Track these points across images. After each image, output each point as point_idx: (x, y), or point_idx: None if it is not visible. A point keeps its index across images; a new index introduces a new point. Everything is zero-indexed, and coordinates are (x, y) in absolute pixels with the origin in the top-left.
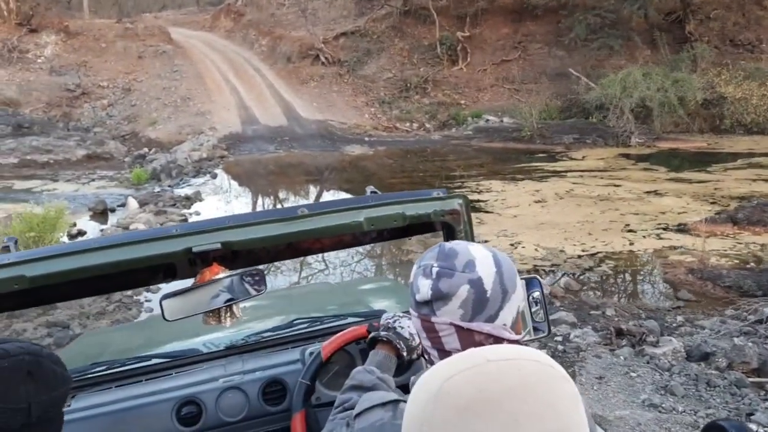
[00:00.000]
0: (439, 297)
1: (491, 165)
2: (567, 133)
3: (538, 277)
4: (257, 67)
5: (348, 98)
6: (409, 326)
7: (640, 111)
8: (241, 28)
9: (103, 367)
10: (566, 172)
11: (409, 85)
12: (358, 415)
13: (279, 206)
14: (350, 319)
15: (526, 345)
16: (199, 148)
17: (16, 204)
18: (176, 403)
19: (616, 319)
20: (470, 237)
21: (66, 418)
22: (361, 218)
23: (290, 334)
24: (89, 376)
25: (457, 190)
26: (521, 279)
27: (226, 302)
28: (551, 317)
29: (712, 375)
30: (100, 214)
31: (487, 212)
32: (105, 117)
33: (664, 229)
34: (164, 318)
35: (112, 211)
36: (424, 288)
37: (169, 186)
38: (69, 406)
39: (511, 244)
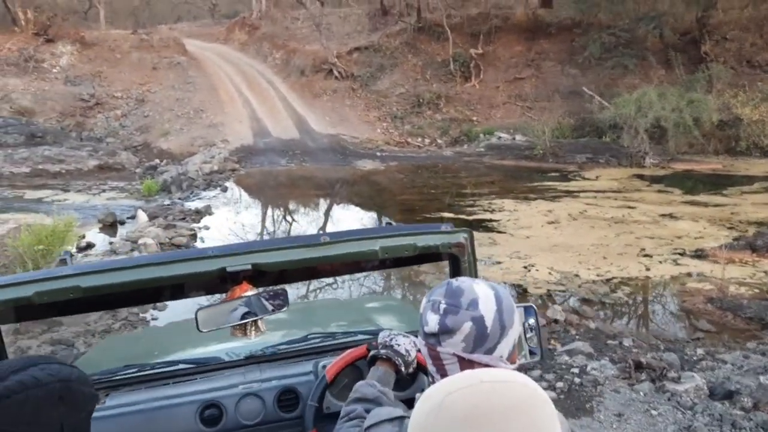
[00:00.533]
0: (445, 331)
1: (503, 183)
2: (580, 152)
3: (533, 305)
4: (270, 79)
5: (360, 113)
6: (405, 343)
7: (655, 131)
8: (255, 41)
9: (135, 369)
10: (579, 192)
11: (421, 100)
12: (368, 428)
13: (291, 222)
14: (360, 336)
15: (518, 370)
16: (210, 161)
17: (26, 214)
18: (200, 405)
19: (635, 350)
20: (473, 267)
21: (101, 414)
22: (376, 247)
23: (305, 347)
24: (122, 376)
25: (468, 209)
26: (518, 307)
27: (253, 317)
28: (567, 347)
29: (737, 416)
30: (110, 226)
31: (500, 232)
32: (118, 127)
33: (681, 254)
34: (198, 329)
35: (122, 223)
36: (432, 322)
37: (180, 199)
38: (104, 403)
39: (525, 267)
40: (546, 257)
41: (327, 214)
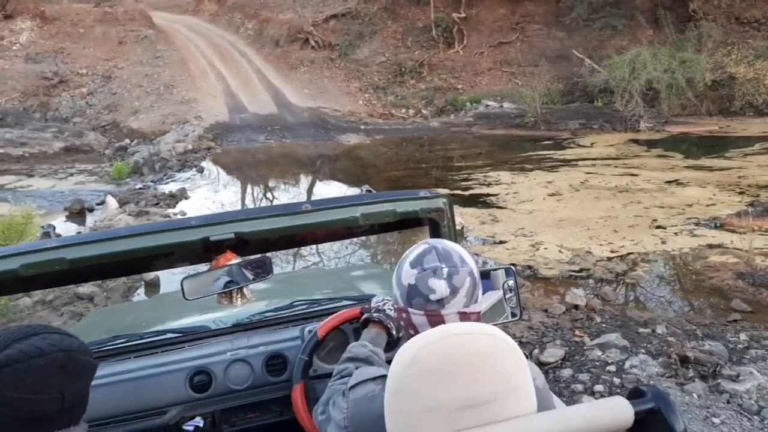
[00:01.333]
0: (453, 292)
1: (496, 154)
2: (572, 119)
3: (512, 267)
4: (243, 51)
5: (340, 84)
6: None
7: (647, 94)
8: (226, 12)
9: (123, 340)
10: (577, 160)
11: (403, 69)
12: (352, 387)
13: (273, 203)
14: (344, 302)
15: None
16: (184, 139)
17: None
18: (189, 372)
19: (670, 338)
20: (453, 232)
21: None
22: (357, 214)
23: (291, 314)
24: (111, 347)
25: (463, 183)
26: (498, 269)
27: (237, 285)
28: (597, 340)
29: None
30: (77, 214)
31: (500, 208)
32: (84, 106)
33: (696, 224)
34: (184, 297)
35: (90, 210)
36: (440, 287)
37: (152, 182)
38: None
39: (532, 245)
40: (553, 233)
41: (310, 192)
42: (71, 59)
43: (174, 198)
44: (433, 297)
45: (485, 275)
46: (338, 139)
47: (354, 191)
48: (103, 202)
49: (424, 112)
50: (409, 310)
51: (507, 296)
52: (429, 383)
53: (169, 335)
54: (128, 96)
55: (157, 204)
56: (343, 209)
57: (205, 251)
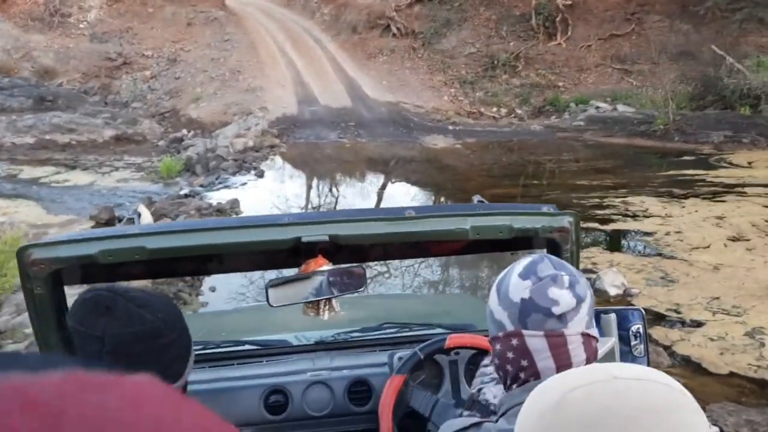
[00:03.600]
0: (578, 304)
1: (626, 171)
2: (713, 129)
3: (641, 308)
4: (318, 38)
5: (423, 76)
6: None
7: None
8: None
9: (199, 347)
10: (741, 186)
11: (495, 62)
12: None
13: None
14: (438, 330)
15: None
16: (245, 133)
17: (10, 201)
18: (265, 390)
19: None
20: (576, 258)
21: None
22: (467, 225)
23: (379, 336)
24: None
25: (596, 211)
26: (618, 310)
27: (328, 294)
28: None
29: None
30: (105, 224)
31: (666, 257)
32: (146, 90)
33: None
34: (269, 303)
35: (120, 220)
36: (565, 298)
37: (202, 186)
38: None
39: (748, 334)
40: None
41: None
42: (137, 40)
43: (221, 214)
44: (556, 310)
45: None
46: (422, 140)
47: None
48: (138, 213)
49: (519, 111)
50: (524, 332)
51: (632, 343)
52: None
53: (247, 347)
54: (191, 81)
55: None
56: (452, 219)
57: (294, 253)
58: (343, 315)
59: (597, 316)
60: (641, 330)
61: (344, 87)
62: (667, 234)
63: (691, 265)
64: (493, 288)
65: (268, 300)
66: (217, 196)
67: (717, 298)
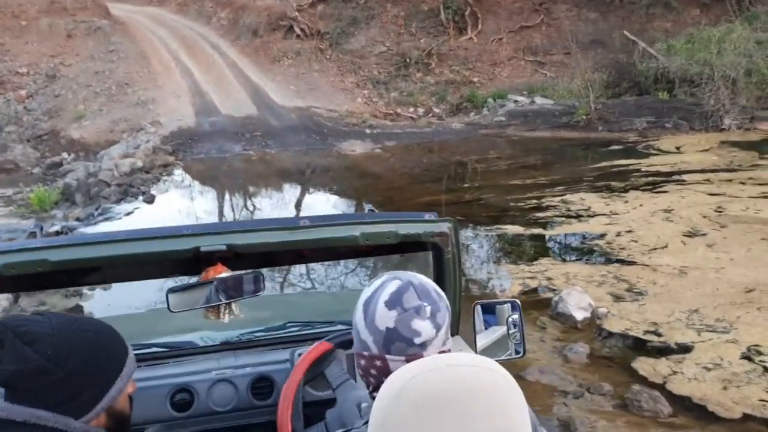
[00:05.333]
0: (437, 332)
1: (558, 166)
2: (635, 116)
3: (518, 300)
4: (215, 43)
5: (333, 79)
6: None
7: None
8: (195, 1)
9: None
10: (677, 174)
11: (408, 60)
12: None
13: None
14: (339, 326)
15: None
16: (133, 153)
17: None
18: (171, 389)
19: None
20: (458, 259)
21: None
22: (357, 233)
23: (282, 335)
24: None
25: (537, 214)
26: (503, 303)
27: (226, 300)
28: None
29: None
30: None
31: (626, 263)
32: (22, 112)
33: None
34: (169, 309)
35: None
36: (426, 329)
37: (78, 220)
38: None
39: (746, 357)
40: (758, 322)
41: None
42: (10, 56)
43: None
44: (417, 340)
45: (490, 309)
46: (339, 147)
47: None
48: (40, 226)
49: (437, 110)
50: (387, 357)
51: (511, 332)
52: (419, 417)
53: (154, 349)
54: (73, 98)
55: None
56: (343, 227)
57: (194, 262)
58: (248, 315)
59: (492, 307)
60: (518, 319)
61: (248, 94)
62: (619, 235)
63: (655, 271)
64: (360, 305)
65: (168, 306)
66: (97, 230)
67: (696, 310)
